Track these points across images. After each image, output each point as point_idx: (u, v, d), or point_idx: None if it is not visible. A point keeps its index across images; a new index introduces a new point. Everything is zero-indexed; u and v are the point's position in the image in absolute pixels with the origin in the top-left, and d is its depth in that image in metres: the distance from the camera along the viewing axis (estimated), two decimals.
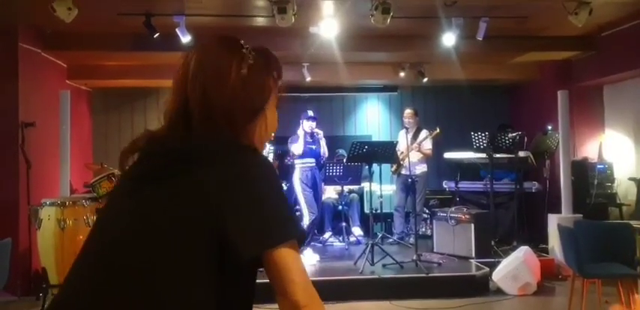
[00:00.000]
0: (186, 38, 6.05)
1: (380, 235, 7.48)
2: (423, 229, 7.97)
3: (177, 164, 1.15)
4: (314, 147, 6.81)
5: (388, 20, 5.49)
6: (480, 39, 6.26)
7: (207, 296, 1.09)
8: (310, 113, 6.85)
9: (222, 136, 1.18)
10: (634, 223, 4.99)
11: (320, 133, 6.81)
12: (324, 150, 6.86)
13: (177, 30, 5.95)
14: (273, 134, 1.35)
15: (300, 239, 1.16)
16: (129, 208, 1.16)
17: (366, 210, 7.99)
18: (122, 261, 1.10)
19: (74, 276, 1.15)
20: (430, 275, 5.78)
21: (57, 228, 5.19)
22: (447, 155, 8.07)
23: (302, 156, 6.80)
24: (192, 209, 1.10)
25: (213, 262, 1.09)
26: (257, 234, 1.10)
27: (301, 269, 1.12)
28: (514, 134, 7.19)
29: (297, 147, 6.86)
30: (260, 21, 6.44)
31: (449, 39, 6.37)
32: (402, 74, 8.31)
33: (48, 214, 5.24)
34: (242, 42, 1.28)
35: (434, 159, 8.07)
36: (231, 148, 1.17)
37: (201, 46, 1.28)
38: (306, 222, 6.64)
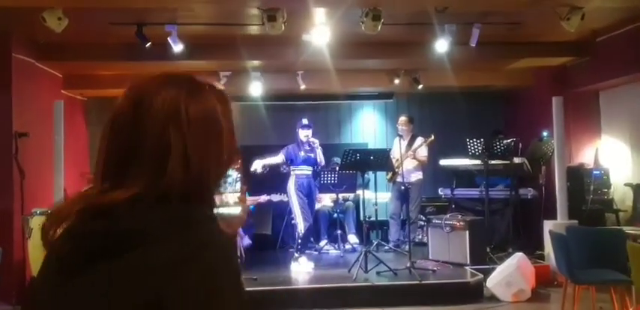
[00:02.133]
0: (178, 47, 6.08)
1: (375, 243, 7.46)
2: (420, 236, 7.94)
3: (117, 244, 0.94)
4: (312, 155, 6.80)
5: (379, 27, 5.50)
6: (473, 45, 6.27)
7: None
8: (305, 121, 6.85)
9: (179, 203, 0.98)
10: (627, 229, 4.97)
11: (316, 142, 6.79)
12: (320, 158, 6.85)
13: (169, 39, 5.97)
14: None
15: None
16: (56, 299, 0.97)
17: (362, 218, 7.96)
18: None
19: None
20: (424, 282, 5.75)
21: None
22: (443, 162, 8.05)
23: (298, 164, 6.79)
24: (130, 300, 0.92)
25: None
26: None
27: None
28: (509, 140, 7.17)
29: (270, 161, 6.82)
30: (253, 29, 6.46)
31: (442, 45, 6.38)
32: (396, 81, 8.32)
33: (38, 223, 5.23)
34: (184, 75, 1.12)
35: (430, 166, 8.05)
36: (185, 221, 0.97)
37: (173, 83, 1.07)
38: (300, 229, 6.62)
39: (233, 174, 1.28)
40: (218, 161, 1.06)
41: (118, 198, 0.97)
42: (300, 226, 6.61)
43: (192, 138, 1.01)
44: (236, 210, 1.27)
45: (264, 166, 6.73)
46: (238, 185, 1.27)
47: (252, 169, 6.67)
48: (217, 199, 1.24)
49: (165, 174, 0.99)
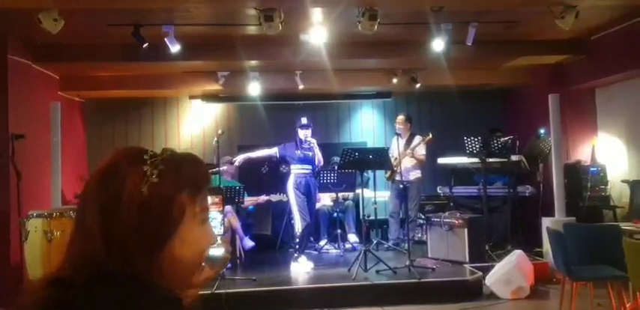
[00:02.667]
0: (175, 48, 6.08)
1: (375, 241, 7.47)
2: (419, 235, 7.96)
3: None
4: (310, 154, 6.81)
5: (375, 27, 5.52)
6: (470, 44, 6.28)
7: None
8: (304, 121, 6.86)
9: (114, 287, 0.92)
10: (623, 225, 4.98)
11: (313, 142, 6.80)
12: (318, 157, 6.85)
13: (166, 40, 5.98)
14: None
15: None
16: None
17: (362, 217, 7.99)
18: None
19: None
20: (423, 280, 5.76)
21: (44, 240, 5.17)
22: (441, 160, 8.06)
23: (298, 163, 6.81)
24: None
25: None
26: None
27: None
28: (506, 138, 7.19)
29: (259, 153, 7.01)
30: (250, 29, 6.46)
31: (438, 45, 6.39)
32: (394, 80, 8.34)
33: (35, 226, 5.23)
34: (149, 152, 1.02)
35: (428, 165, 8.07)
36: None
37: (107, 161, 1.02)
38: (298, 228, 6.63)
39: (218, 217, 1.29)
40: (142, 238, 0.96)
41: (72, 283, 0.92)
42: (298, 225, 6.62)
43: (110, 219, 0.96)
44: (219, 251, 1.27)
45: (263, 167, 6.79)
46: (223, 228, 1.32)
47: (233, 160, 6.89)
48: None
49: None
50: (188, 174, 1.02)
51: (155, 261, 0.96)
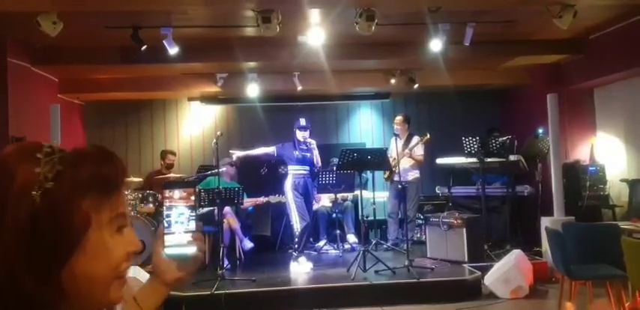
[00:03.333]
0: (173, 50, 6.10)
1: (374, 242, 7.49)
2: (418, 235, 7.97)
3: None
4: (308, 155, 6.82)
5: (373, 27, 5.53)
6: (467, 44, 6.30)
7: None
8: (302, 122, 6.87)
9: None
10: (622, 224, 4.99)
11: (313, 143, 6.81)
12: (317, 159, 6.85)
13: (164, 42, 6.00)
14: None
15: None
16: None
17: (361, 218, 8.00)
18: None
19: None
20: (422, 280, 5.77)
21: None
22: (440, 160, 8.08)
23: (295, 164, 6.82)
24: None
25: None
26: None
27: None
28: (504, 138, 7.20)
29: (256, 151, 7.13)
30: (248, 31, 6.48)
31: (436, 45, 6.40)
32: (392, 81, 8.36)
33: None
34: (44, 149, 0.83)
35: (427, 165, 8.09)
36: None
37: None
38: (297, 228, 6.65)
39: (186, 212, 1.21)
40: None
41: None
42: (297, 225, 6.64)
43: None
44: (190, 250, 1.15)
45: (262, 169, 6.82)
46: (192, 223, 1.18)
47: (231, 152, 7.00)
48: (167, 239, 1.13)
49: None
50: (93, 175, 0.83)
51: (55, 281, 0.79)
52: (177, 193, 1.21)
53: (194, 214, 1.19)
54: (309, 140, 6.78)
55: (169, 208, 1.20)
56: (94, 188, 0.83)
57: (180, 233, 1.17)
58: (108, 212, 0.85)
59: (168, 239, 1.16)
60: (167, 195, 1.21)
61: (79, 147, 0.88)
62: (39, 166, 0.80)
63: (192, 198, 1.21)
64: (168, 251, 1.15)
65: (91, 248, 0.82)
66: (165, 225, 1.18)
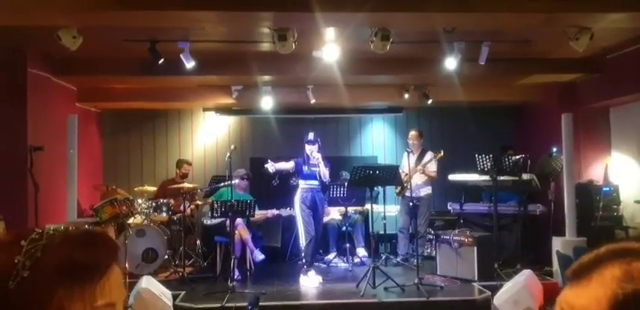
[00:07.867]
0: (190, 64, 6.18)
1: (384, 256, 7.49)
2: (428, 250, 7.95)
3: None
4: (316, 169, 6.86)
5: (388, 47, 5.55)
6: (482, 63, 6.30)
7: None
8: (310, 136, 6.91)
9: None
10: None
11: (318, 157, 6.81)
12: (323, 172, 6.84)
13: (181, 56, 6.07)
14: None
15: None
16: None
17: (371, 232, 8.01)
18: None
19: None
20: (431, 299, 5.76)
21: None
22: (452, 177, 8.07)
23: (305, 178, 6.86)
24: None
25: None
26: None
27: None
28: (518, 157, 7.17)
29: (281, 165, 6.92)
30: (264, 46, 6.55)
31: (451, 63, 6.42)
32: (406, 96, 8.38)
33: None
34: (33, 236, 0.80)
35: (439, 181, 8.07)
36: None
37: None
38: (302, 242, 6.67)
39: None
40: None
41: None
42: (302, 238, 6.68)
43: None
44: None
45: (275, 174, 6.84)
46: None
47: (266, 166, 6.75)
48: None
49: None
50: (62, 262, 0.77)
51: None
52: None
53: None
54: (314, 154, 6.80)
55: None
56: (66, 276, 0.77)
57: None
58: (88, 302, 0.78)
59: None
60: None
61: (71, 230, 0.83)
62: (20, 254, 0.77)
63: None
64: None
65: None
66: None
